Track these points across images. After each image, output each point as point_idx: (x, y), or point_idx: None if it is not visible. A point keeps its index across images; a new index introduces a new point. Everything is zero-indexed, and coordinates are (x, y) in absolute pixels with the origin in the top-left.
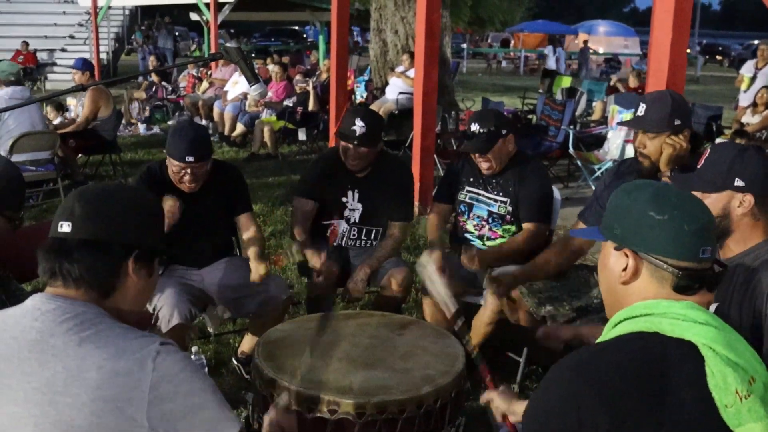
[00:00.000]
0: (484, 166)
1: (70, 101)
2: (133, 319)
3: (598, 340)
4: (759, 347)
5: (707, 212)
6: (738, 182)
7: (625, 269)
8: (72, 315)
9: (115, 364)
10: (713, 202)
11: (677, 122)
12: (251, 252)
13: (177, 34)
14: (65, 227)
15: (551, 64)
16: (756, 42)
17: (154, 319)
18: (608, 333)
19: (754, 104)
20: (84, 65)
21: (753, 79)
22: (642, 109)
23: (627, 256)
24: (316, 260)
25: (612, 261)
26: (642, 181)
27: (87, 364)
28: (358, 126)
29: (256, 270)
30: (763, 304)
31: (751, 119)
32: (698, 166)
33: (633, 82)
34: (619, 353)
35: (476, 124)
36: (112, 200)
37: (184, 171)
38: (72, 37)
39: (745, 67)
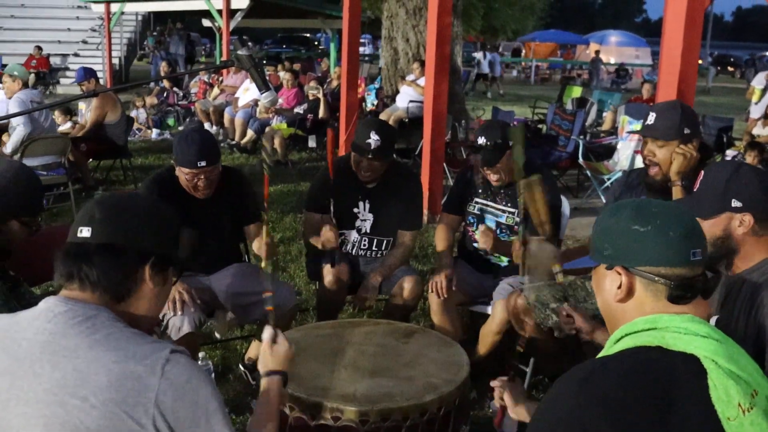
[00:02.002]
0: (492, 178)
1: (81, 105)
2: (145, 325)
3: (599, 355)
4: (762, 364)
5: (689, 217)
6: (735, 203)
7: (619, 287)
8: (84, 318)
9: (125, 368)
10: (713, 224)
11: (687, 131)
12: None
13: (190, 39)
14: (85, 232)
15: (484, 68)
16: (767, 54)
17: (164, 326)
18: (610, 348)
19: (766, 116)
20: (86, 74)
21: (764, 90)
22: (652, 118)
23: (620, 273)
24: (325, 235)
25: (606, 282)
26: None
27: (97, 367)
28: (373, 139)
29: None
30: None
31: (762, 131)
32: (694, 189)
33: (646, 94)
34: (622, 368)
35: (483, 137)
36: (131, 208)
37: (197, 177)
38: (85, 42)
39: (757, 79)
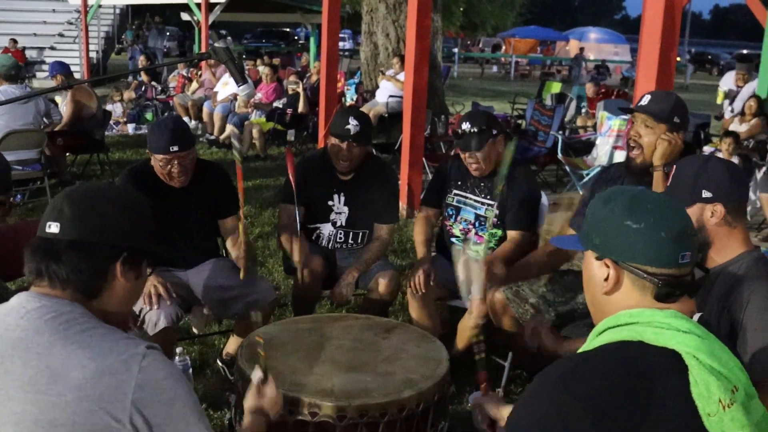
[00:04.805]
0: (473, 166)
1: (58, 99)
2: (118, 320)
3: (581, 349)
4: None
5: (685, 217)
6: (705, 194)
7: (606, 279)
8: (57, 314)
9: (100, 364)
10: None
11: (676, 119)
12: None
13: (168, 33)
14: (53, 228)
15: None
16: (744, 51)
17: (140, 321)
18: (592, 342)
19: (742, 113)
20: (58, 68)
21: (728, 95)
22: (646, 99)
23: (608, 266)
24: (296, 254)
25: (594, 271)
26: (618, 189)
27: (71, 363)
28: (352, 125)
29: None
30: (742, 313)
31: (738, 128)
32: (667, 185)
33: (590, 92)
34: (603, 364)
35: (467, 123)
36: (102, 201)
37: (170, 164)
38: (61, 35)
39: (724, 80)
